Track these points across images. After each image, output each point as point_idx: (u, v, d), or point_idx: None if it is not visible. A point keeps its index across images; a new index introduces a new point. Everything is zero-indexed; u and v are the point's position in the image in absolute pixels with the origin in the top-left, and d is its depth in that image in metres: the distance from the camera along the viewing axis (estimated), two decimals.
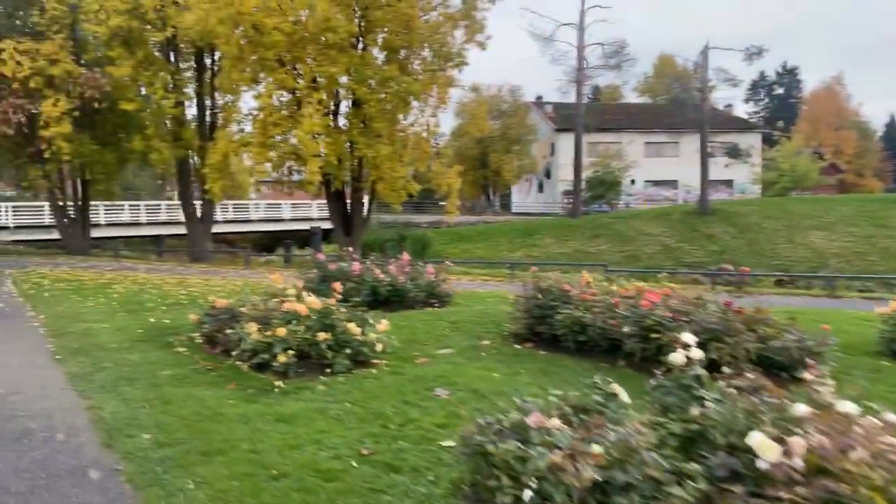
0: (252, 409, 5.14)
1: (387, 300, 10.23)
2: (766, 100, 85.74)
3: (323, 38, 17.16)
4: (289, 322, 6.74)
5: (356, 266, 10.79)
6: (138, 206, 40.89)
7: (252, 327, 6.68)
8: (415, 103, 18.26)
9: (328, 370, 6.23)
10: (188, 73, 23.76)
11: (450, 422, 4.67)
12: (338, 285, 7.26)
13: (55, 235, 30.09)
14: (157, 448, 4.31)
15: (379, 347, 6.57)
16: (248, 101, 26.76)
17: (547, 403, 3.82)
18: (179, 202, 49.67)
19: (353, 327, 6.47)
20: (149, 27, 21.32)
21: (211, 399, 5.40)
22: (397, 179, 18.99)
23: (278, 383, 5.89)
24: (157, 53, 22.64)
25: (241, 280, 15.66)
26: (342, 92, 18.89)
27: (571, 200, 53.40)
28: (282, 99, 17.90)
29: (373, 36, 17.75)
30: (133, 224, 39.75)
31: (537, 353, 7.04)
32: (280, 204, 47.24)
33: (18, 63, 18.92)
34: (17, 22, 19.73)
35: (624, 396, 3.85)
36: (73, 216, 23.93)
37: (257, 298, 8.19)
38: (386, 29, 17.60)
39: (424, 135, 20.49)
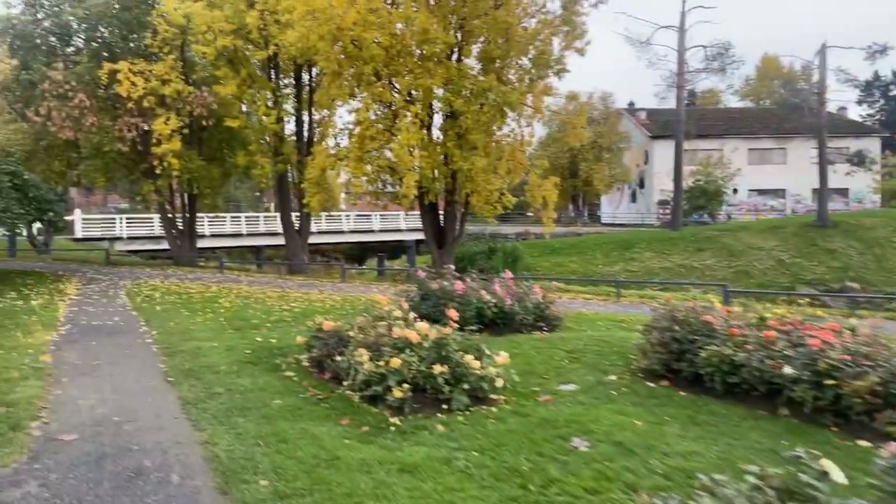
0: (371, 453, 4.70)
1: (492, 322, 9.68)
2: (882, 101, 78.62)
3: (420, 51, 16.98)
4: (400, 350, 6.32)
5: (459, 285, 10.30)
6: (239, 217, 42.73)
7: (363, 355, 6.30)
8: (510, 113, 17.67)
9: (444, 406, 5.74)
10: (287, 90, 24.36)
11: (600, 486, 4.01)
12: (453, 313, 6.74)
13: (164, 246, 31.82)
14: (277, 500, 3.93)
15: (499, 383, 6.00)
16: (343, 116, 27.28)
17: (738, 479, 3.11)
18: (276, 214, 51.90)
19: (471, 360, 5.93)
20: (252, 47, 22.04)
21: (326, 438, 5.01)
22: (492, 192, 18.46)
23: (394, 420, 5.45)
24: (259, 72, 23.36)
25: (340, 295, 15.63)
26: (437, 104, 18.61)
27: (668, 211, 51.01)
28: (378, 113, 17.84)
29: (469, 46, 17.37)
30: (234, 235, 41.60)
31: (676, 393, 6.23)
32: (370, 215, 47.96)
33: (133, 83, 19.99)
34: (132, 44, 20.88)
35: (839, 476, 3.09)
36: (181, 228, 25.07)
37: (363, 320, 7.85)
38: (483, 38, 17.17)
39: (519, 146, 19.87)
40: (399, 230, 48.69)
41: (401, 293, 12.54)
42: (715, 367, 6.00)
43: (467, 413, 5.65)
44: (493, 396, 6.02)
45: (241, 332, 9.90)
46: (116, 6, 20.46)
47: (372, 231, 47.68)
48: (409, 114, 16.77)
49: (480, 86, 16.39)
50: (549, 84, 18.74)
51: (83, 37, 21.16)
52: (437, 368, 5.80)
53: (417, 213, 49.40)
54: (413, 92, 17.20)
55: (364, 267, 37.88)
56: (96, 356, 8.18)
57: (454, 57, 18.48)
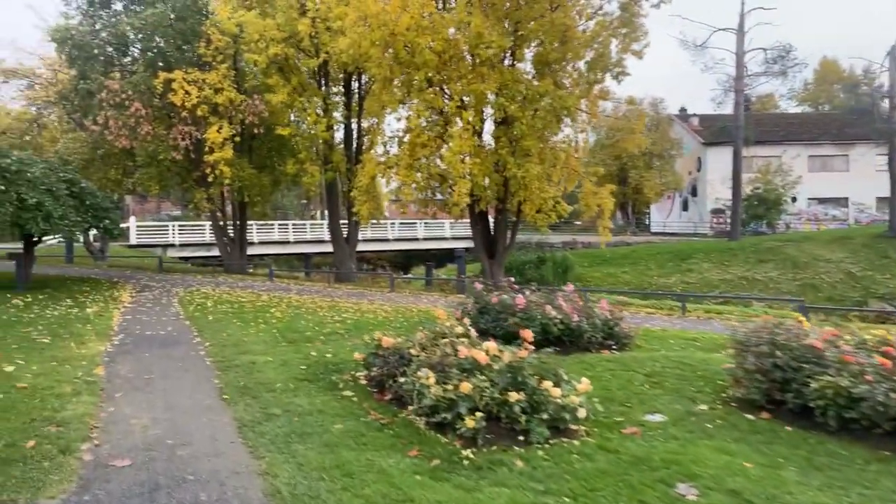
0: (447, 493, 4.19)
1: (558, 340, 9.07)
2: None
3: (473, 56, 16.55)
4: (467, 372, 5.82)
5: (520, 299, 9.73)
6: (287, 225, 43.18)
7: (429, 378, 5.81)
8: (564, 119, 17.04)
9: (521, 438, 5.19)
10: (336, 99, 24.30)
11: None
12: (528, 333, 6.18)
13: (214, 252, 32.26)
14: None
15: (581, 413, 5.41)
16: (391, 124, 27.08)
17: None
18: (322, 221, 52.31)
19: (550, 387, 5.37)
20: (302, 55, 22.04)
21: (395, 472, 4.53)
22: (546, 200, 17.83)
23: (466, 453, 4.93)
24: (309, 80, 23.35)
25: (391, 306, 15.24)
26: (489, 110, 18.13)
27: (722, 220, 49.24)
28: (429, 120, 17.46)
29: (523, 50, 16.84)
30: (282, 242, 42.03)
31: (782, 429, 5.52)
32: (415, 223, 47.76)
33: (187, 92, 20.17)
34: (186, 54, 21.10)
35: None
36: (231, 236, 25.23)
37: (423, 336, 7.41)
38: (538, 42, 16.61)
39: (574, 152, 19.20)
40: (444, 238, 48.35)
41: (456, 306, 12.06)
42: (829, 401, 5.28)
43: (547, 446, 5.09)
44: (574, 427, 5.44)
45: (294, 345, 9.57)
46: (172, 16, 20.73)
47: (417, 239, 47.46)
48: (460, 120, 16.33)
49: (536, 90, 15.83)
50: (606, 88, 18.05)
51: (139, 47, 21.53)
52: (513, 396, 5.26)
53: (463, 221, 48.90)
54: (465, 98, 16.76)
55: (412, 276, 37.64)
56: (149, 369, 7.93)
57: (507, 61, 17.99)
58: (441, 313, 8.18)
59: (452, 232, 48.93)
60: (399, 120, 27.01)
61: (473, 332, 7.80)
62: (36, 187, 15.20)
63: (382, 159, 20.49)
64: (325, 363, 8.23)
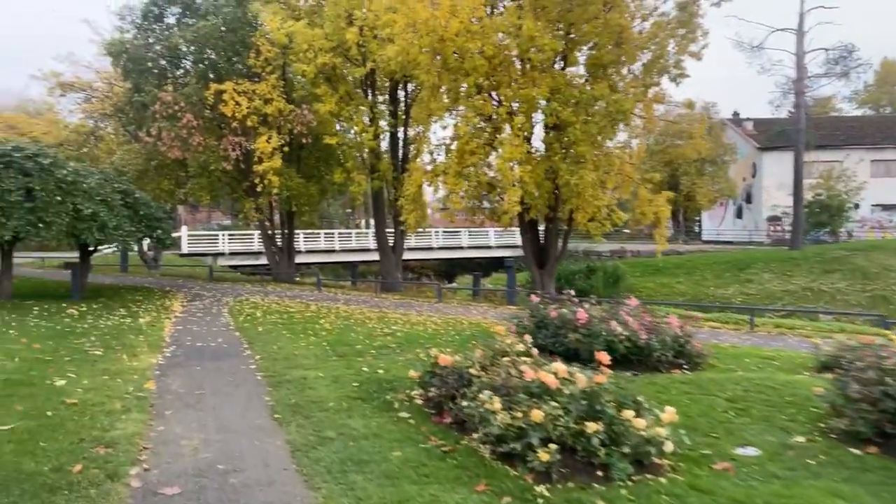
0: None
1: (624, 359, 8.48)
2: None
3: (523, 60, 16.11)
4: (536, 397, 5.35)
5: (582, 314, 9.18)
6: (332, 234, 43.44)
7: (494, 403, 5.36)
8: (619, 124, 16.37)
9: (600, 473, 4.68)
10: (382, 107, 24.18)
11: None
12: (604, 356, 5.66)
13: (262, 261, 32.59)
14: None
15: (668, 447, 4.86)
16: (436, 132, 26.83)
17: None
18: (366, 230, 52.53)
19: (631, 417, 4.84)
20: (350, 64, 22.00)
21: None
22: (599, 208, 17.18)
23: (540, 489, 4.46)
24: (356, 90, 23.30)
25: (440, 317, 14.86)
26: (538, 116, 17.61)
27: (778, 228, 47.25)
28: (477, 126, 17.06)
29: (575, 53, 16.27)
30: (328, 251, 42.27)
31: None
32: (458, 232, 47.42)
33: (237, 103, 20.33)
34: (237, 65, 21.32)
35: None
36: (280, 245, 25.34)
37: (481, 354, 6.98)
38: (591, 44, 16.03)
39: (628, 158, 18.49)
40: (488, 247, 47.82)
41: (509, 318, 11.57)
42: None
43: (630, 484, 4.57)
44: (658, 461, 4.89)
45: (345, 359, 9.25)
46: (223, 29, 20.98)
47: (461, 248, 47.07)
48: (512, 126, 15.89)
49: (590, 94, 15.25)
50: (662, 91, 17.31)
51: (191, 59, 21.87)
52: (591, 426, 4.75)
53: (508, 229, 48.22)
54: (515, 104, 16.31)
55: (458, 285, 37.27)
56: (200, 384, 7.72)
57: (557, 65, 17.48)
58: (500, 329, 7.72)
59: (497, 240, 48.36)
60: (445, 128, 26.86)
61: (534, 350, 7.33)
62: (91, 198, 15.45)
63: (429, 167, 20.20)
64: (379, 380, 7.86)
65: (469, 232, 49.30)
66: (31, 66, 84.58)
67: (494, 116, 17.30)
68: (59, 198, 14.69)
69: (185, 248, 37.43)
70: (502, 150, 15.34)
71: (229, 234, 39.42)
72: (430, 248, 44.83)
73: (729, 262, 30.32)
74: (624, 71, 16.76)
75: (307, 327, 12.50)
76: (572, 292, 10.65)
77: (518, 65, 17.23)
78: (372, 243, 44.43)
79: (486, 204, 20.66)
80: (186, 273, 25.96)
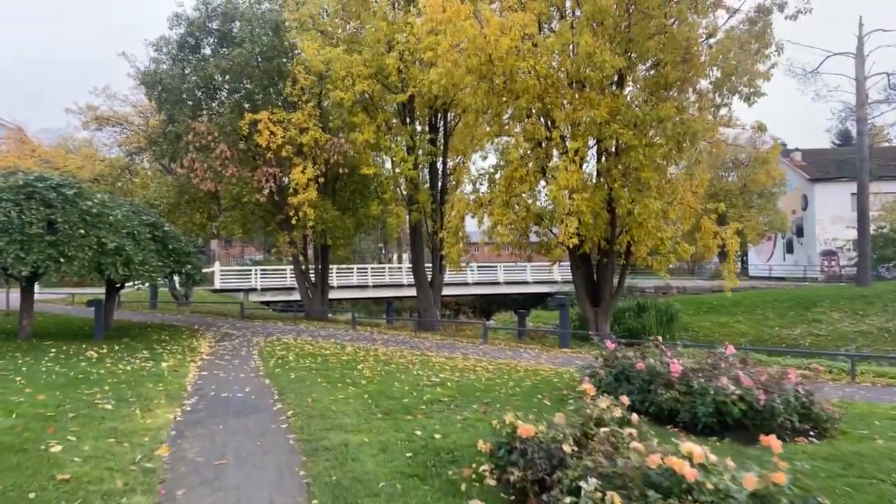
0: None
1: (737, 424, 6.88)
2: None
3: (578, 81, 14.87)
4: (662, 491, 3.86)
5: (676, 366, 7.63)
6: (366, 269, 42.47)
7: (616, 501, 3.87)
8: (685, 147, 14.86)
9: None
10: (421, 136, 23.17)
11: None
12: (775, 443, 4.14)
13: (295, 297, 31.56)
14: None
15: None
16: (476, 162, 25.64)
17: None
18: (399, 265, 51.40)
19: None
20: (387, 92, 21.13)
21: None
22: (663, 240, 15.59)
23: None
24: (394, 120, 22.38)
25: (490, 362, 13.34)
26: (592, 139, 16.24)
27: (834, 263, 44.77)
28: (527, 153, 15.77)
29: (636, 71, 14.93)
30: (361, 286, 41.23)
31: None
32: (495, 267, 45.99)
33: (272, 133, 19.51)
34: (272, 95, 20.59)
35: None
36: (313, 280, 24.22)
37: (562, 419, 5.56)
38: (655, 60, 14.69)
39: (691, 186, 16.93)
40: (525, 283, 46.23)
41: (579, 369, 10.05)
42: None
43: None
44: None
45: (392, 418, 7.80)
46: (259, 58, 20.34)
47: (497, 283, 45.59)
48: (568, 150, 14.57)
49: (655, 115, 13.85)
50: (730, 112, 15.84)
51: (227, 88, 21.23)
52: None
53: (544, 265, 46.54)
54: (569, 127, 15.01)
55: (501, 324, 35.62)
56: (222, 451, 6.37)
57: (620, 84, 16.17)
58: (588, 388, 6.24)
59: (534, 276, 46.78)
60: (486, 158, 25.74)
61: (634, 417, 5.84)
62: (117, 231, 14.51)
63: (472, 198, 18.96)
64: (436, 448, 6.40)
65: (504, 267, 47.87)
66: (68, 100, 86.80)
67: (542, 142, 16.02)
68: (82, 231, 13.77)
69: (217, 284, 36.83)
70: (558, 177, 13.97)
71: (262, 270, 38.74)
72: (466, 284, 43.40)
73: (791, 300, 28.14)
74: (690, 90, 15.31)
75: (345, 374, 11.12)
76: (659, 338, 9.09)
77: (570, 85, 16.01)
78: (406, 279, 43.41)
79: (532, 237, 19.26)
80: (217, 310, 24.98)
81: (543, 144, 15.76)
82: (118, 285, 17.36)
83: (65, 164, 27.70)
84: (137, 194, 27.59)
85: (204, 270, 42.28)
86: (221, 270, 38.06)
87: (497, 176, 18.71)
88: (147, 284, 24.97)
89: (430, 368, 12.12)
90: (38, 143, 34.35)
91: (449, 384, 10.27)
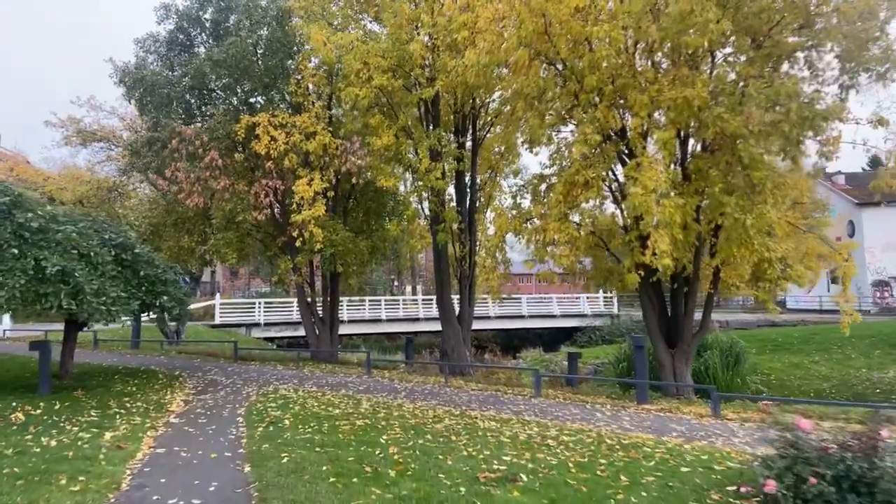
0: None
1: None
2: None
3: (665, 53, 11.53)
4: None
5: None
6: (378, 301, 38.94)
7: None
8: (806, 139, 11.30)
9: None
10: (446, 143, 19.81)
11: None
12: None
13: (301, 332, 28.02)
14: None
15: None
16: (507, 177, 22.24)
17: None
18: (415, 297, 47.72)
19: None
20: (412, 86, 17.96)
21: None
22: (772, 263, 11.99)
23: None
24: (413, 124, 19.07)
25: (561, 428, 9.66)
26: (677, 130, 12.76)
27: (887, 294, 41.07)
28: (594, 151, 12.30)
29: (744, 37, 11.43)
30: (373, 321, 37.65)
31: None
32: (519, 298, 42.29)
33: (273, 138, 16.28)
34: (274, 95, 17.44)
35: None
36: (320, 315, 20.68)
37: None
38: (769, 22, 11.18)
39: (801, 193, 13.44)
40: (552, 316, 42.46)
41: (757, 462, 6.43)
42: None
43: None
44: None
45: None
46: (259, 52, 17.25)
47: (522, 317, 41.85)
48: (655, 143, 11.16)
49: (773, 93, 10.38)
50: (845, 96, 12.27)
51: (220, 85, 18.00)
52: None
53: (572, 296, 42.67)
54: (652, 114, 11.59)
55: (557, 372, 31.78)
56: None
57: (717, 56, 12.75)
58: None
59: (562, 309, 43.01)
60: (517, 174, 22.32)
61: None
62: (65, 251, 11.14)
63: (513, 214, 15.52)
64: None
65: (529, 299, 44.12)
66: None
67: (613, 136, 12.60)
68: (15, 250, 10.43)
69: (217, 319, 33.52)
70: (642, 177, 10.51)
71: (266, 303, 35.35)
72: (488, 318, 39.60)
73: (873, 336, 24.26)
74: (799, 66, 11.76)
75: (363, 455, 7.51)
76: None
77: (656, 60, 12.70)
78: (423, 312, 39.78)
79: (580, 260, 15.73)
80: (209, 350, 21.44)
81: (613, 138, 12.34)
82: (80, 321, 13.89)
83: (44, 184, 24.62)
84: (126, 218, 24.42)
85: (201, 304, 39.05)
86: (221, 304, 34.69)
87: (543, 185, 15.33)
88: (129, 321, 21.66)
89: (483, 442, 8.49)
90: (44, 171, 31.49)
91: (526, 480, 6.62)
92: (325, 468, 6.89)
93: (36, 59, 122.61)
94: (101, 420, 9.58)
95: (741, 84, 11.05)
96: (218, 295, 38.66)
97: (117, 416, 9.89)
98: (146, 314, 14.42)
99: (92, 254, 11.65)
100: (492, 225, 15.25)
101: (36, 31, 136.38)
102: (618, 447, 8.35)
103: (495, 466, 7.10)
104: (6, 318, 23.72)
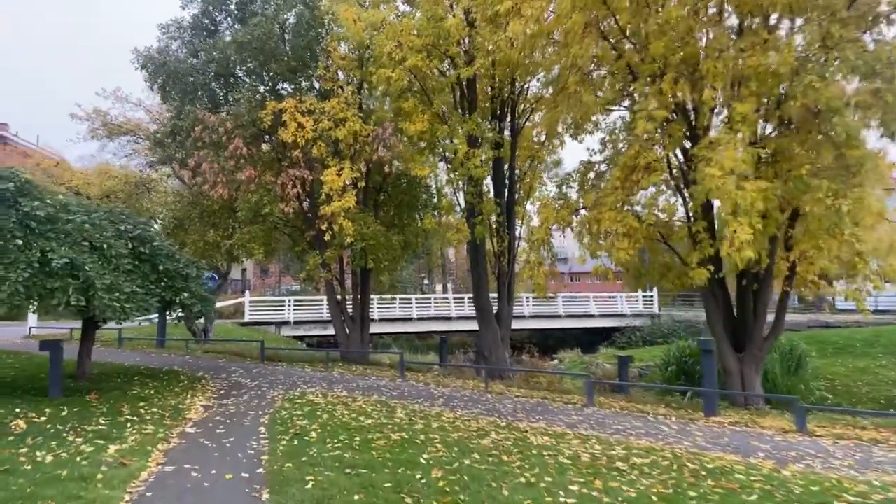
0: None
1: None
2: None
3: (744, 11, 10.05)
4: None
5: None
6: (409, 300, 37.83)
7: None
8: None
9: None
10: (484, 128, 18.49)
11: None
12: None
13: (331, 331, 27.08)
14: None
15: None
16: (548, 168, 20.86)
17: None
18: (445, 295, 46.47)
19: None
20: (447, 68, 16.77)
21: None
22: (862, 256, 10.46)
23: None
24: (447, 110, 17.82)
25: (626, 445, 8.35)
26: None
27: None
28: (659, 130, 10.91)
29: None
30: (404, 319, 36.59)
31: None
32: (554, 297, 40.69)
33: (300, 125, 15.24)
34: (301, 80, 16.42)
35: None
36: (350, 314, 19.61)
37: None
38: None
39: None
40: (589, 316, 40.81)
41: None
42: None
43: None
44: None
45: None
46: (286, 34, 16.25)
47: (557, 316, 40.31)
48: (734, 116, 9.73)
49: (874, 57, 8.87)
50: None
51: (245, 69, 17.04)
52: None
53: (610, 294, 40.92)
54: (729, 86, 10.15)
55: (563, 366, 30.33)
56: None
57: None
58: None
59: (599, 308, 41.34)
60: (557, 164, 20.95)
61: None
62: (75, 242, 10.24)
63: (558, 203, 14.19)
64: None
65: (564, 298, 42.53)
66: None
67: (677, 113, 11.18)
68: (20, 241, 9.55)
69: (247, 317, 32.88)
70: (720, 156, 9.11)
71: (296, 300, 34.54)
72: (522, 317, 38.16)
73: None
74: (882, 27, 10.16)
75: (401, 480, 6.32)
76: None
77: (718, 29, 11.22)
78: (455, 311, 38.57)
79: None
80: (236, 349, 20.58)
81: (677, 116, 10.93)
82: (98, 320, 13.01)
83: (69, 178, 24.09)
84: (153, 211, 23.76)
85: (230, 302, 38.47)
86: (251, 302, 34.04)
87: (592, 173, 13.99)
88: (154, 318, 20.92)
89: (540, 464, 7.23)
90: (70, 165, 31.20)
91: None
92: (356, 497, 5.74)
93: (36, 60, 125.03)
94: (109, 429, 8.61)
95: (832, 49, 9.53)
96: (247, 292, 38.11)
97: (128, 425, 8.91)
98: (168, 312, 13.52)
99: (105, 246, 10.74)
100: (536, 216, 13.96)
101: (36, 31, 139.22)
102: (703, 473, 7.00)
103: (562, 500, 5.84)
104: (32, 315, 23.25)
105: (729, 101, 10.29)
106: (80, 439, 7.99)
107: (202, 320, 22.48)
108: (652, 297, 42.09)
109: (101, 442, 7.88)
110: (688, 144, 11.52)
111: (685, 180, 11.18)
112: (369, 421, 9.53)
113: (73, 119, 22.69)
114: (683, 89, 10.27)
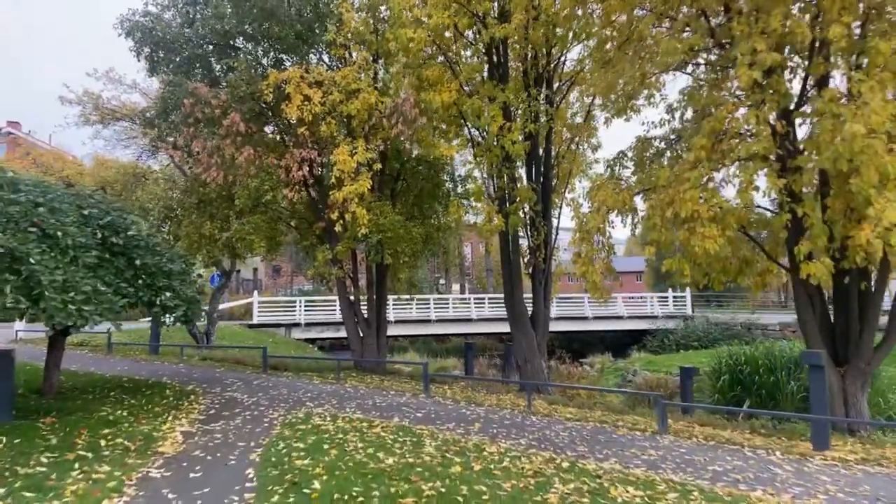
0: None
1: None
2: None
3: None
4: None
5: None
6: (427, 300, 35.60)
7: None
8: None
9: None
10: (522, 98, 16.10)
11: None
12: None
13: (345, 333, 25.00)
14: None
15: None
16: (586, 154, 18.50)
17: None
18: (465, 296, 44.18)
19: None
20: (468, 42, 14.53)
21: None
22: None
23: None
24: (471, 87, 15.48)
25: (736, 499, 6.04)
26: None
27: None
28: (757, 84, 8.53)
29: None
30: (421, 321, 34.39)
31: None
32: (581, 298, 38.30)
33: (306, 98, 13.02)
34: (305, 49, 14.23)
35: None
36: (365, 316, 17.37)
37: None
38: None
39: None
40: (619, 317, 38.28)
41: None
42: None
43: None
44: None
45: None
46: None
47: (584, 318, 37.86)
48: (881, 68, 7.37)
49: None
50: None
51: (244, 33, 14.80)
52: None
53: (640, 295, 38.30)
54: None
55: (592, 371, 27.93)
56: None
57: None
58: None
59: (629, 309, 38.82)
60: (597, 148, 18.60)
61: None
62: (21, 230, 8.09)
63: (610, 183, 11.82)
64: None
65: (591, 299, 40.02)
66: None
67: (784, 65, 8.80)
68: None
69: (255, 318, 30.97)
70: (860, 112, 6.77)
71: (307, 301, 32.49)
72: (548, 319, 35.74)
73: None
74: None
75: None
76: None
77: None
78: (475, 313, 36.28)
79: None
80: (237, 356, 18.43)
81: (783, 71, 8.54)
82: (65, 327, 10.84)
83: (61, 168, 22.12)
84: (143, 201, 21.67)
85: (239, 302, 36.46)
86: (260, 302, 32.07)
87: (651, 150, 11.62)
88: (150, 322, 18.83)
89: None
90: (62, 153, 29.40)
91: None
92: None
93: (36, 59, 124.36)
94: (48, 472, 6.44)
95: None
96: (256, 293, 36.10)
97: (76, 465, 6.74)
98: (165, 315, 11.41)
99: (60, 234, 8.57)
100: (586, 201, 11.63)
101: (36, 31, 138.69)
102: None
103: None
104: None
105: (870, 34, 7.89)
106: (23, 474, 5.85)
107: (204, 322, 20.40)
108: (684, 297, 39.61)
109: (28, 495, 5.72)
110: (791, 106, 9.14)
111: (792, 148, 8.82)
112: (391, 460, 7.26)
113: (63, 102, 20.75)
114: (799, 26, 7.91)
